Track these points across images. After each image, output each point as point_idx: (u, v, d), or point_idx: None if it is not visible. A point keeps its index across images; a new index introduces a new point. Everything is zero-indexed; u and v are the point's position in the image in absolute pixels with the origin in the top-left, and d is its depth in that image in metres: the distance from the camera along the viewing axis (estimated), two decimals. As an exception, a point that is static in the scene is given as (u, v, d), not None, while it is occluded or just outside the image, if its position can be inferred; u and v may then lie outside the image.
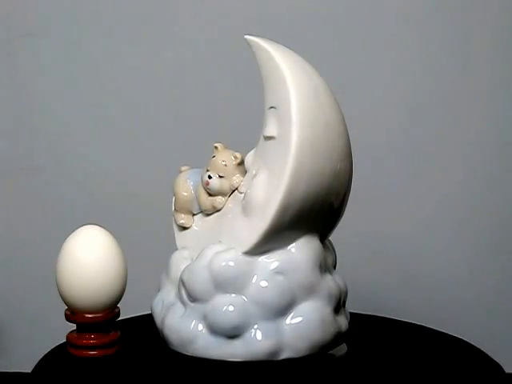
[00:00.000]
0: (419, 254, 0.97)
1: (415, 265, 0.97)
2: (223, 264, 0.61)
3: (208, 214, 0.66)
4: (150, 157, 0.98)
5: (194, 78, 0.97)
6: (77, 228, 0.65)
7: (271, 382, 0.60)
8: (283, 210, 0.60)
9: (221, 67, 0.96)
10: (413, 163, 0.97)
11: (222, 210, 0.65)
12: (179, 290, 0.63)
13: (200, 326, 0.61)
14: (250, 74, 0.93)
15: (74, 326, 0.65)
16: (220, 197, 0.64)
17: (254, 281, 0.61)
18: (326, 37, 0.95)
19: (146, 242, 0.94)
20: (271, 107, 0.62)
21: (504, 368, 0.63)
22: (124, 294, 0.65)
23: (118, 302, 0.65)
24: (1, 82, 0.99)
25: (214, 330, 0.61)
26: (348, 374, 0.61)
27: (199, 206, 0.66)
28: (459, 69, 0.96)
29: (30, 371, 0.64)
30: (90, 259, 0.63)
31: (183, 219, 0.66)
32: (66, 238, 0.64)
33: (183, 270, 0.63)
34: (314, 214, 0.62)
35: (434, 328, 0.70)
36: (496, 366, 0.63)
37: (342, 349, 0.64)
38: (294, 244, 0.62)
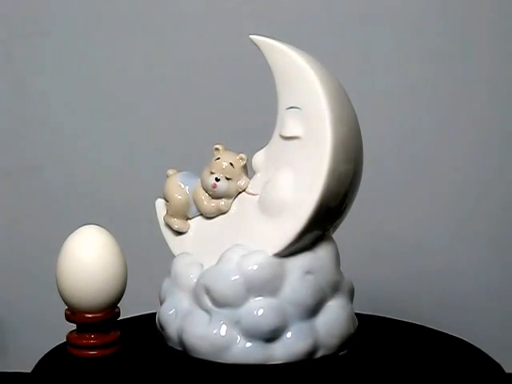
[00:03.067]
0: (419, 255, 0.97)
1: (415, 265, 0.97)
2: (256, 267, 0.60)
3: (209, 218, 0.65)
4: (149, 157, 0.98)
5: (192, 80, 0.97)
6: (77, 228, 0.65)
7: (316, 381, 0.60)
8: (319, 209, 0.60)
9: (211, 70, 0.97)
10: (415, 162, 0.97)
11: (227, 213, 0.64)
12: (199, 297, 0.62)
13: (232, 332, 0.60)
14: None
15: (73, 326, 0.65)
16: (225, 199, 0.64)
17: (286, 282, 0.61)
18: (320, 36, 0.95)
19: (146, 242, 0.94)
20: (291, 107, 0.61)
21: (504, 368, 0.63)
22: (124, 294, 0.65)
23: (118, 302, 0.65)
24: (1, 82, 0.99)
25: (252, 335, 0.60)
26: (348, 373, 0.61)
27: (199, 209, 0.65)
28: (460, 68, 0.96)
29: (30, 371, 0.64)
30: (90, 259, 0.63)
31: (178, 224, 0.66)
32: (66, 238, 0.64)
33: (203, 276, 0.62)
34: (335, 214, 0.62)
35: (434, 328, 0.70)
36: (496, 366, 0.63)
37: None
38: (316, 243, 0.62)
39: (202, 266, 0.63)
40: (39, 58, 0.99)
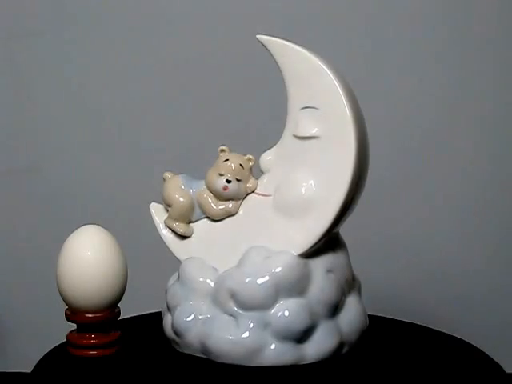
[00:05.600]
0: (419, 255, 0.97)
1: (415, 265, 0.97)
2: (285, 268, 0.60)
3: (215, 221, 0.64)
4: (149, 157, 0.98)
5: (187, 84, 0.97)
6: (77, 228, 0.65)
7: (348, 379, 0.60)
8: (344, 208, 0.60)
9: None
10: (420, 161, 0.97)
11: (235, 215, 0.63)
12: (222, 301, 0.61)
13: (263, 335, 0.60)
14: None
15: (74, 326, 0.65)
16: (233, 201, 0.63)
17: (312, 281, 0.61)
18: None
19: (146, 242, 0.94)
20: (307, 107, 0.61)
21: (504, 368, 0.63)
22: (124, 294, 0.65)
23: (118, 302, 0.65)
24: (1, 82, 0.99)
25: (284, 336, 0.60)
26: (348, 373, 0.61)
27: (206, 212, 0.64)
28: (464, 68, 0.96)
29: (30, 371, 0.64)
30: (90, 259, 0.63)
31: (182, 228, 0.64)
32: (66, 238, 0.64)
33: (225, 280, 0.61)
34: (350, 211, 0.62)
35: (435, 328, 0.70)
36: (496, 366, 0.63)
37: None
38: (330, 241, 0.62)
39: (215, 269, 0.62)
40: (39, 58, 0.99)
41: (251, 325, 0.60)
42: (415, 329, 0.71)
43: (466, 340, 0.68)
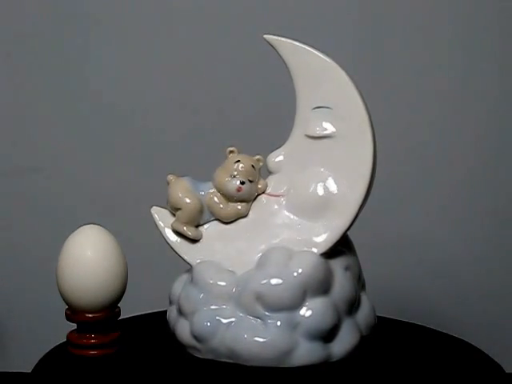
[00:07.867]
0: (419, 254, 0.97)
1: (415, 265, 0.97)
2: (311, 267, 0.59)
3: (225, 223, 0.63)
4: (150, 156, 0.98)
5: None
6: (77, 228, 0.65)
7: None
8: (362, 205, 0.60)
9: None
10: (417, 160, 0.97)
11: (247, 216, 0.63)
12: (247, 304, 0.59)
13: (293, 335, 0.59)
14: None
15: (74, 326, 0.65)
16: (244, 203, 0.63)
17: (334, 280, 0.61)
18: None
19: (146, 242, 0.94)
20: (319, 107, 0.61)
21: (504, 368, 0.63)
22: (124, 294, 0.65)
23: (118, 302, 0.65)
24: (1, 82, 0.99)
25: (313, 336, 0.59)
26: (348, 373, 0.61)
27: (216, 215, 0.63)
28: (462, 69, 0.96)
29: (30, 371, 0.64)
30: (90, 259, 0.63)
31: (192, 231, 0.63)
32: (66, 238, 0.64)
33: (249, 282, 0.59)
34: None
35: (435, 328, 0.70)
36: (496, 366, 0.63)
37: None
38: (342, 240, 0.62)
39: (232, 272, 0.61)
40: (39, 58, 0.99)
41: (280, 326, 0.59)
42: (416, 329, 0.71)
43: (466, 340, 0.68)
